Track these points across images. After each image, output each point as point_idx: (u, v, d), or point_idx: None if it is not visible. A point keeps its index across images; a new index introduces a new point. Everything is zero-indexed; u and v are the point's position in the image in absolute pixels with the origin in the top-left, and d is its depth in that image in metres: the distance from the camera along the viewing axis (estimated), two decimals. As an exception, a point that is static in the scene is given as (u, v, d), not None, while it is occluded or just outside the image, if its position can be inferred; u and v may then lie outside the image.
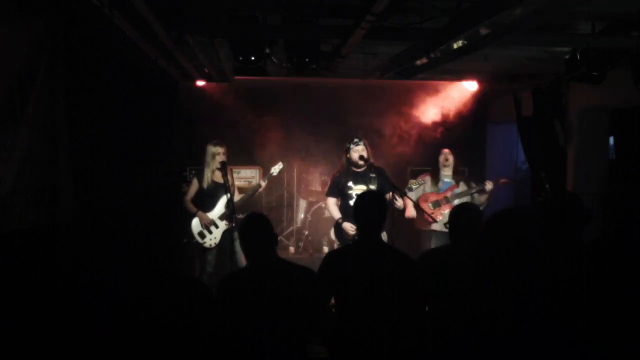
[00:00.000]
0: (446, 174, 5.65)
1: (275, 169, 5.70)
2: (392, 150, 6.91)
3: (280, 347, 2.66)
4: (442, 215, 5.42)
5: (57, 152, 3.14)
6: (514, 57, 5.15)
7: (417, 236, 5.68)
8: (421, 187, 5.56)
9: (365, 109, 7.27)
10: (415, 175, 5.97)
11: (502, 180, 5.75)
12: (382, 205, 3.08)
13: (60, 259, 1.78)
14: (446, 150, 5.73)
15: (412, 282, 2.89)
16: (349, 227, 4.79)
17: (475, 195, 5.53)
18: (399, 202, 4.82)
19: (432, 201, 5.56)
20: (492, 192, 5.50)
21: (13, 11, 2.75)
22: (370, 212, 3.02)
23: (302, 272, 2.81)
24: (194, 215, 5.39)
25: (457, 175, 5.66)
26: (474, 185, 5.58)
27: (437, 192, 5.60)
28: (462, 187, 5.59)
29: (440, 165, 5.67)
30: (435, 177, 5.67)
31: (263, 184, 5.59)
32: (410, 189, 5.38)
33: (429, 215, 5.25)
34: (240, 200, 5.53)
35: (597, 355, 2.02)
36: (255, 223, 2.81)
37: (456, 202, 5.39)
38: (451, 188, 5.59)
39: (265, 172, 5.98)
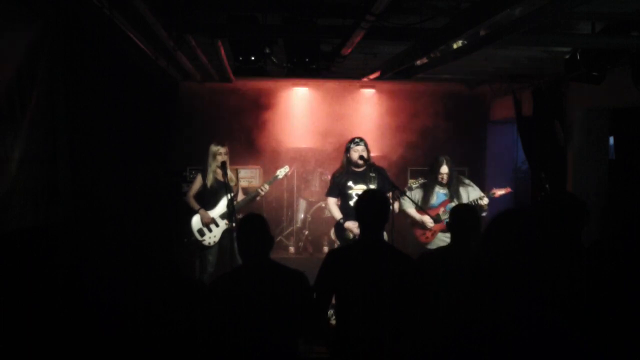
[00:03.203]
0: (441, 186, 5.26)
1: (281, 172, 5.61)
2: (392, 150, 6.91)
3: (272, 347, 2.68)
4: (435, 236, 5.12)
5: (57, 152, 3.13)
6: (514, 57, 5.15)
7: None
8: (416, 194, 5.26)
9: (365, 108, 7.28)
10: (415, 175, 5.93)
11: (498, 193, 5.39)
12: (384, 205, 3.07)
13: (60, 258, 1.78)
14: (444, 170, 5.18)
15: (413, 282, 2.89)
16: (353, 226, 4.77)
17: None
18: (397, 205, 4.79)
19: None
20: (487, 205, 5.17)
21: (13, 11, 2.75)
22: (373, 212, 3.00)
23: (293, 275, 2.82)
24: (194, 213, 5.38)
25: (452, 186, 5.22)
26: (470, 197, 5.23)
27: (429, 208, 5.19)
28: (456, 201, 5.16)
29: (436, 176, 5.24)
30: (430, 190, 5.25)
31: (267, 186, 5.53)
32: (411, 189, 5.34)
33: (429, 219, 5.11)
34: (243, 201, 5.52)
35: (596, 355, 2.02)
36: (254, 223, 2.82)
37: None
38: (444, 203, 5.22)
39: (267, 173, 5.94)
